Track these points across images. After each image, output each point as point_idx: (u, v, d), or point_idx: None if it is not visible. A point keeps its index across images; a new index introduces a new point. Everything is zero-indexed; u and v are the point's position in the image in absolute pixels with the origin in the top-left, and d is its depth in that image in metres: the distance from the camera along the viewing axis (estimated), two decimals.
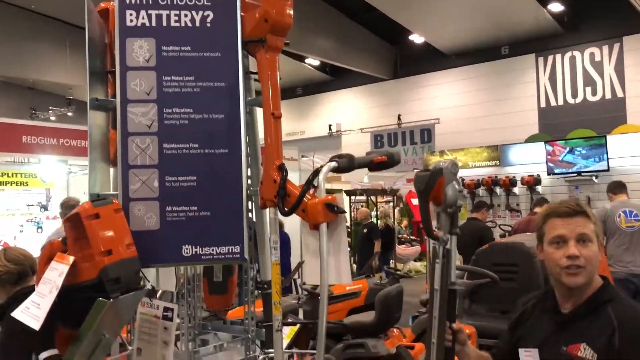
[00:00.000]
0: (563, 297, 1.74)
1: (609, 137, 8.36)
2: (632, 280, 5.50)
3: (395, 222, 13.89)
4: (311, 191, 1.93)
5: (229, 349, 2.29)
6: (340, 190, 15.17)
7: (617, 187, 5.98)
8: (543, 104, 16.48)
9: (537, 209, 6.86)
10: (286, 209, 1.92)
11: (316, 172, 1.90)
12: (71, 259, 1.75)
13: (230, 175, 2.00)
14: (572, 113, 15.67)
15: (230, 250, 1.98)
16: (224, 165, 1.99)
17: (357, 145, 17.90)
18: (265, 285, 2.30)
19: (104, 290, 1.74)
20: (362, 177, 16.26)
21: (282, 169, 1.97)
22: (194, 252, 1.97)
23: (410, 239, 14.44)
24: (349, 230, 13.86)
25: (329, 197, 1.90)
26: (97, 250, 1.74)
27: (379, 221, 12.47)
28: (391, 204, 14.74)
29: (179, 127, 1.99)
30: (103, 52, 2.20)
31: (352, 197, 14.75)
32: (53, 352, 1.76)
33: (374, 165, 2.05)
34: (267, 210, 2.04)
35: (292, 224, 6.85)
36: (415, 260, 13.95)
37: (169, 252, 1.96)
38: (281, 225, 8.60)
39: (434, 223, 1.79)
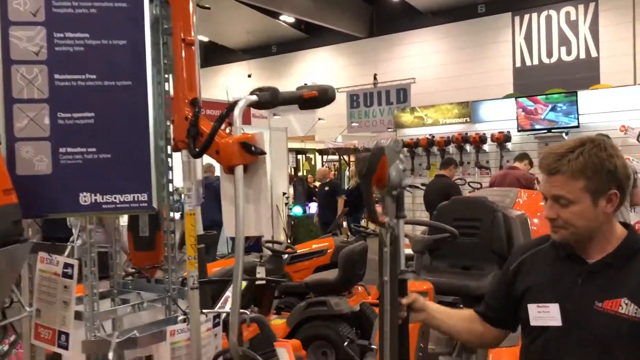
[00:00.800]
0: (576, 246, 1.54)
1: (580, 93, 8.21)
2: None
3: None
4: (227, 130, 1.68)
5: (149, 309, 2.07)
6: (315, 150, 14.96)
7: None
8: (518, 64, 16.36)
9: (516, 164, 6.71)
10: (197, 150, 1.66)
11: (231, 107, 1.64)
12: None
13: (135, 112, 1.72)
14: (547, 73, 15.59)
15: (135, 199, 1.73)
16: (126, 99, 1.72)
17: (333, 105, 17.29)
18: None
19: None
20: (335, 137, 16.04)
21: (194, 104, 1.70)
22: (93, 201, 1.71)
23: None
24: (316, 189, 13.72)
25: (248, 135, 1.65)
26: None
27: (350, 180, 12.33)
28: None
29: (73, 54, 1.70)
30: None
31: (325, 157, 14.55)
32: None
33: (303, 101, 1.80)
34: (181, 153, 1.78)
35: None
36: None
37: (64, 200, 1.71)
38: None
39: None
